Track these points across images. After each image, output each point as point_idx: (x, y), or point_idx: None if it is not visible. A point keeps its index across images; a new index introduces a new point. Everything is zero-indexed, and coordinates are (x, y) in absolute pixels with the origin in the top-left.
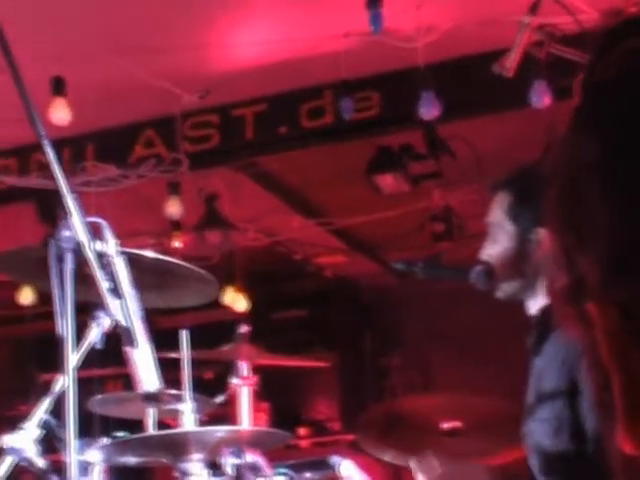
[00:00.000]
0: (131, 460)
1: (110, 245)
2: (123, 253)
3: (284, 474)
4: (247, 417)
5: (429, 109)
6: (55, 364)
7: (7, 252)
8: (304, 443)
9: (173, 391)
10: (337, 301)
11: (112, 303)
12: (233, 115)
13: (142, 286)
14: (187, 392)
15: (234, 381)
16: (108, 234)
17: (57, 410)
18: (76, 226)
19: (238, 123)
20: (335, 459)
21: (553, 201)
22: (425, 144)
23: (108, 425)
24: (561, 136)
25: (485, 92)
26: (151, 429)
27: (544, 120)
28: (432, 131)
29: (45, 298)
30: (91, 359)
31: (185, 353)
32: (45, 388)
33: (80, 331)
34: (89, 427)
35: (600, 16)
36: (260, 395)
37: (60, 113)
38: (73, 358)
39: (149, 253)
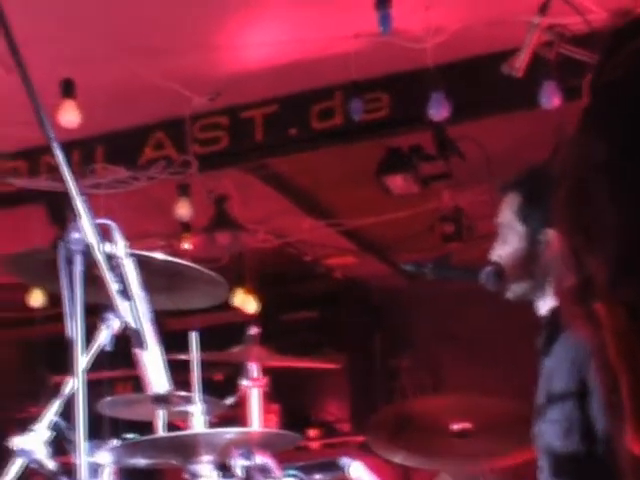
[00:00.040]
0: (141, 462)
1: (119, 247)
2: (132, 255)
3: (293, 476)
4: (257, 419)
5: (438, 110)
6: (65, 366)
7: (17, 254)
8: (314, 445)
9: (183, 393)
10: (347, 302)
11: (121, 305)
12: (243, 117)
13: (152, 288)
14: (197, 394)
15: (244, 383)
16: (118, 236)
17: (67, 412)
18: (85, 228)
19: (248, 125)
20: (345, 461)
21: (562, 202)
22: (435, 145)
23: (118, 427)
24: (570, 137)
25: (494, 92)
26: (161, 431)
27: (554, 120)
28: (442, 132)
29: (55, 300)
30: (101, 361)
31: (195, 355)
32: (55, 390)
33: (90, 333)
34: (99, 429)
35: (609, 16)
36: (270, 397)
37: (70, 115)
38: (83, 360)
39: (159, 255)
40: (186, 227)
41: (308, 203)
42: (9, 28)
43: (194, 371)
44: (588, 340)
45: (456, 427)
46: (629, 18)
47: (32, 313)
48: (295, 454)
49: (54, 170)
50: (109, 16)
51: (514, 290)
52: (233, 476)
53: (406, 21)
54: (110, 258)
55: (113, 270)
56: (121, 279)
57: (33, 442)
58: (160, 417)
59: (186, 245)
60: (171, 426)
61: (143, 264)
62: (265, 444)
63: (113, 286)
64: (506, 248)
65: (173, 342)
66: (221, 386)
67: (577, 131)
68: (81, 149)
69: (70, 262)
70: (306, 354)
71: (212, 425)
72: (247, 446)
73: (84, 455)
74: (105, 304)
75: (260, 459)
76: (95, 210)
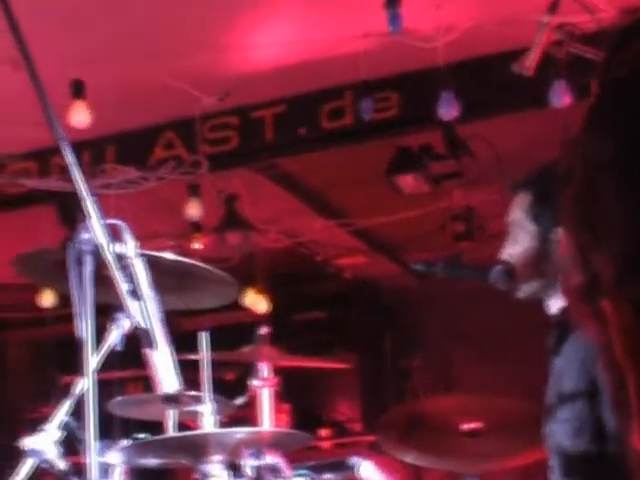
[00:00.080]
0: (151, 462)
1: (130, 247)
2: (143, 255)
3: (304, 475)
4: (268, 419)
5: (449, 109)
6: (75, 366)
7: (27, 254)
8: (325, 444)
9: (193, 393)
10: (358, 302)
11: (132, 305)
12: (253, 117)
13: (162, 288)
14: (207, 394)
15: (254, 383)
16: (128, 236)
17: (78, 412)
18: (96, 228)
19: (258, 125)
20: (355, 460)
21: (568, 200)
22: (445, 144)
23: (128, 427)
24: (576, 135)
25: (505, 92)
26: (171, 431)
27: (564, 119)
28: (452, 131)
29: (65, 300)
30: (111, 361)
31: (205, 355)
32: (66, 390)
33: (100, 333)
34: (109, 429)
35: (617, 14)
36: (281, 396)
37: (80, 116)
38: (93, 360)
39: (169, 255)
40: (196, 227)
41: (318, 203)
42: (19, 29)
43: (204, 371)
44: (595, 338)
45: (467, 427)
46: (636, 16)
47: (42, 313)
48: (306, 454)
49: (65, 170)
50: (119, 16)
51: (525, 289)
52: (243, 476)
53: (416, 20)
54: (120, 258)
55: (123, 270)
56: (131, 279)
57: (44, 442)
58: (171, 417)
59: (196, 245)
60: (182, 426)
61: (153, 264)
62: (276, 444)
63: (123, 286)
64: (517, 247)
65: (184, 342)
66: (232, 386)
67: (583, 129)
68: (91, 149)
69: (80, 262)
70: (317, 354)
71: (223, 425)
72: (258, 446)
73: (95, 455)
74: (115, 304)
75: (271, 459)
76: (105, 210)
